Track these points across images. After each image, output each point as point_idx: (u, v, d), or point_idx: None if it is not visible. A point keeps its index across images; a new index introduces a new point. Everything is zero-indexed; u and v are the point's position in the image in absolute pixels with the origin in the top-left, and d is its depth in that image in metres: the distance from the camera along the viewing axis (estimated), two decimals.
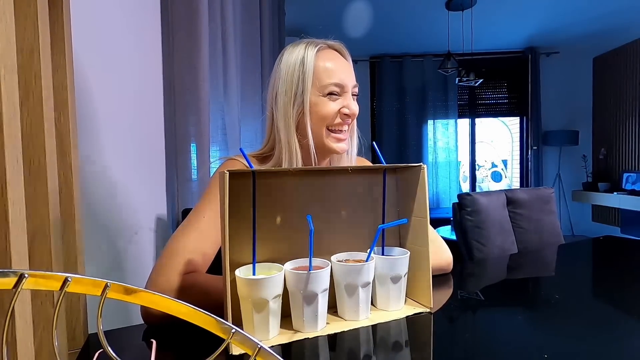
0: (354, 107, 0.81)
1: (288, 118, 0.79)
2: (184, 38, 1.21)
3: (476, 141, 5.18)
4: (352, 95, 0.82)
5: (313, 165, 0.82)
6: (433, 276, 0.68)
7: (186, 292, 0.65)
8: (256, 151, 0.87)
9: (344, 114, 0.80)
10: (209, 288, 0.66)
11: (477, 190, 5.20)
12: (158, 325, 0.64)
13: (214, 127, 1.38)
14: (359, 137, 0.90)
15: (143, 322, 0.66)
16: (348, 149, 0.86)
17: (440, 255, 0.86)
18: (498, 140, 5.36)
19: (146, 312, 0.65)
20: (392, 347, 0.57)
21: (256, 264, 0.61)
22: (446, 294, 0.78)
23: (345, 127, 0.82)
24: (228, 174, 0.53)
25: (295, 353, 0.55)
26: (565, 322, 0.64)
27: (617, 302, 0.75)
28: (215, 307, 0.60)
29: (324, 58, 0.79)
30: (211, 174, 1.34)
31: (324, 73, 0.78)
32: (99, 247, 0.82)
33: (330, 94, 0.79)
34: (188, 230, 0.71)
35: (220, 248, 0.74)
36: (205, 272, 0.72)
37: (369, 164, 0.95)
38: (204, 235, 0.71)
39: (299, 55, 0.79)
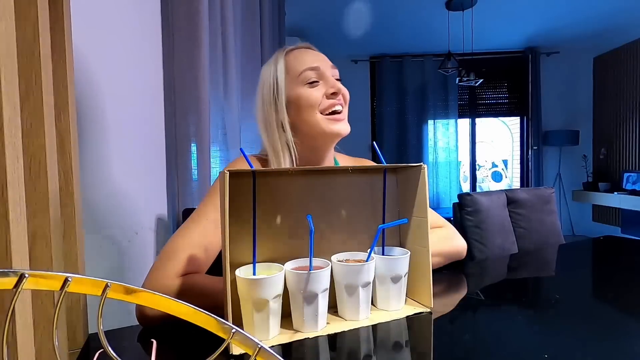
0: (339, 85, 0.79)
1: (270, 123, 0.79)
2: (184, 38, 1.21)
3: (476, 141, 5.18)
4: (333, 77, 0.80)
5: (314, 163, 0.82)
6: (442, 267, 0.67)
7: (184, 294, 0.64)
8: (258, 153, 0.87)
9: (331, 93, 0.78)
10: (206, 290, 0.65)
11: (478, 190, 5.20)
12: (154, 327, 0.64)
13: (214, 127, 1.38)
14: None
15: None
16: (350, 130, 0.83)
17: (454, 242, 0.85)
18: (498, 140, 5.36)
19: (141, 313, 0.63)
20: (392, 347, 0.57)
21: (256, 264, 0.61)
22: (446, 294, 0.78)
23: (339, 107, 0.79)
24: (228, 174, 0.53)
25: (295, 353, 0.55)
26: (565, 322, 0.64)
27: (617, 302, 0.75)
28: (213, 308, 0.60)
29: (293, 53, 0.80)
30: (211, 174, 1.35)
31: (295, 62, 0.78)
32: (99, 247, 0.82)
33: (309, 83, 0.78)
34: (192, 226, 0.71)
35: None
36: (206, 272, 0.72)
37: (370, 163, 0.95)
38: (207, 232, 0.70)
39: (271, 62, 0.81)
